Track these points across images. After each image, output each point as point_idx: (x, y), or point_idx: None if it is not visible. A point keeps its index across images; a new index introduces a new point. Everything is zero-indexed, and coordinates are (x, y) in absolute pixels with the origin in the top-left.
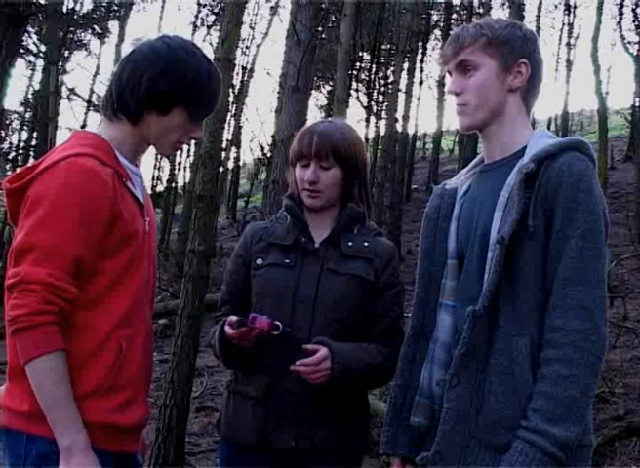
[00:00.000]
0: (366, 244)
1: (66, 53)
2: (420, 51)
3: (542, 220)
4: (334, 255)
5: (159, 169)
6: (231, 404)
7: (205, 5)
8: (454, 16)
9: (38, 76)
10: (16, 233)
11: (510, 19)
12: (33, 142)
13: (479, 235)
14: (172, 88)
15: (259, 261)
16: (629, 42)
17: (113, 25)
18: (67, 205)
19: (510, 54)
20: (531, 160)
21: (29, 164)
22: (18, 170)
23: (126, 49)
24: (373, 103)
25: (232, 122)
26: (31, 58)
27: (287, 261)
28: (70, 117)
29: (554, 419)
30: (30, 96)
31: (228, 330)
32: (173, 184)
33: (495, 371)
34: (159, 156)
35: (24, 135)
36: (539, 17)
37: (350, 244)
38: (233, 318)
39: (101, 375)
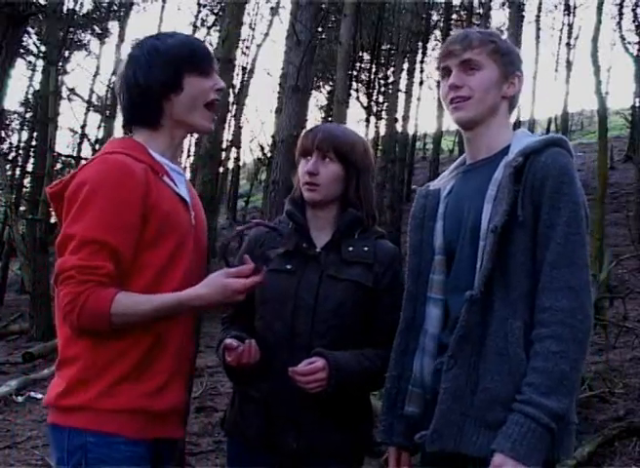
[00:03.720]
0: (366, 249)
1: (66, 53)
2: (420, 51)
3: (530, 210)
4: (334, 261)
5: None
6: (236, 402)
7: (205, 5)
8: (454, 16)
9: (38, 76)
10: None
11: (500, 35)
12: (33, 142)
13: (470, 228)
14: (166, 65)
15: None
16: (629, 42)
17: (113, 26)
18: (98, 197)
19: (510, 65)
20: (518, 155)
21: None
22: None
23: (126, 49)
24: (373, 104)
25: (232, 122)
26: (31, 58)
27: (288, 267)
28: (70, 117)
29: (547, 392)
30: (30, 96)
31: (227, 358)
32: None
33: (491, 353)
34: None
35: (24, 135)
36: (538, 17)
37: (350, 249)
38: (228, 342)
39: (137, 360)
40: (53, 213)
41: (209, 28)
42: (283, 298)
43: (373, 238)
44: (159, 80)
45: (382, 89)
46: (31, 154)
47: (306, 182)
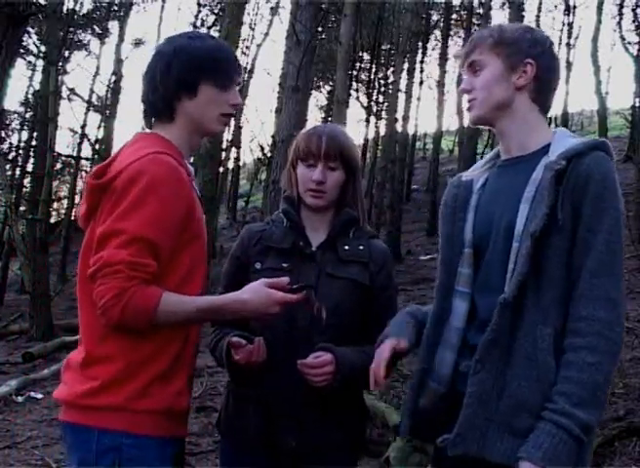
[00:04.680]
0: (361, 248)
1: (66, 53)
2: (420, 51)
3: (569, 214)
4: (331, 260)
5: None
6: (231, 403)
7: (205, 5)
8: (454, 16)
9: (38, 76)
10: (93, 225)
11: (527, 25)
12: (33, 142)
13: (503, 228)
14: (185, 67)
15: (257, 265)
16: (629, 42)
17: (113, 26)
18: (152, 197)
19: (516, 54)
20: (561, 158)
21: (106, 161)
22: (94, 167)
23: (125, 49)
24: (373, 104)
25: (232, 122)
26: (31, 58)
27: (285, 265)
28: (70, 117)
29: (580, 403)
30: (30, 96)
31: (235, 356)
32: None
33: (519, 358)
34: None
35: (24, 135)
36: (538, 17)
37: (346, 248)
38: (235, 340)
39: (170, 360)
40: (84, 202)
41: (209, 28)
42: None
43: (366, 237)
44: (174, 80)
45: (382, 89)
46: (31, 154)
47: (312, 189)
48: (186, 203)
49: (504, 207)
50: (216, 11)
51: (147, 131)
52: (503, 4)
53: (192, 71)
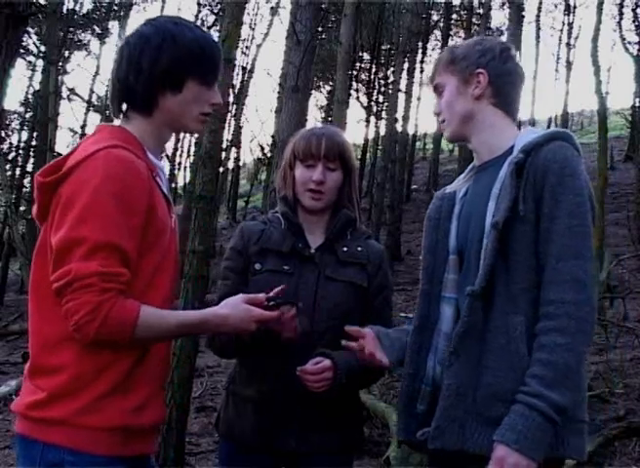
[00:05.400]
0: (359, 249)
1: (66, 53)
2: (420, 51)
3: (532, 205)
4: (330, 262)
5: None
6: (230, 404)
7: (205, 5)
8: (454, 16)
9: (38, 76)
10: (46, 227)
11: (478, 38)
12: (33, 142)
13: (477, 228)
14: (175, 60)
15: (257, 266)
16: (629, 42)
17: (113, 26)
18: (107, 196)
19: (467, 67)
20: (519, 151)
21: (59, 157)
22: (48, 164)
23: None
24: (373, 104)
25: (232, 122)
26: (31, 58)
27: (286, 268)
28: (70, 117)
29: (551, 384)
30: (30, 96)
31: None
32: (172, 184)
33: (492, 348)
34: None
35: (24, 135)
36: (538, 17)
37: (345, 249)
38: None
39: (124, 373)
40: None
41: (209, 28)
42: None
43: (363, 238)
44: (163, 71)
45: (382, 89)
46: (31, 154)
47: (312, 190)
48: (146, 197)
49: (478, 209)
50: (216, 11)
51: (111, 124)
52: (503, 4)
53: (181, 64)
